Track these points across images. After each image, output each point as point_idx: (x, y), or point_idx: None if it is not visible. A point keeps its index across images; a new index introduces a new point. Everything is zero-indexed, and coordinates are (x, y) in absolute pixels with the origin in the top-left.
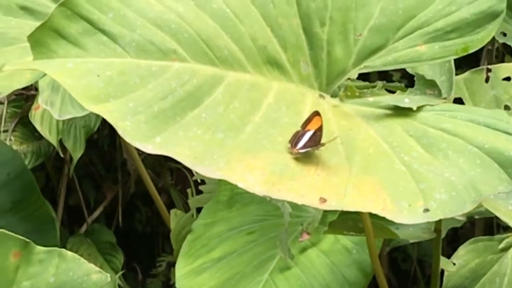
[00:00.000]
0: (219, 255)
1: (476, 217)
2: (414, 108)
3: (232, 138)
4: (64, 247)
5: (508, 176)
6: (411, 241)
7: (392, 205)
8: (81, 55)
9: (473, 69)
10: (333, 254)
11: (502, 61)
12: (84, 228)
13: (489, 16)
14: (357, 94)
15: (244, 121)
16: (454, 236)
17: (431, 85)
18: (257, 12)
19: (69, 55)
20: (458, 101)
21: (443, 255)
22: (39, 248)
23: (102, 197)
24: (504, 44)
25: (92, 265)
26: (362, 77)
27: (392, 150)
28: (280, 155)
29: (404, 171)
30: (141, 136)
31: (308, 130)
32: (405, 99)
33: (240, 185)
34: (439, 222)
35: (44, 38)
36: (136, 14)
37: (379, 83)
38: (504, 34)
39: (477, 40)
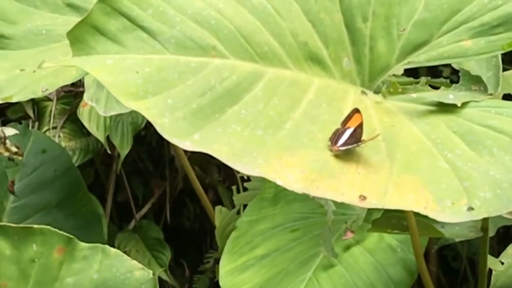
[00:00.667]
0: (263, 252)
1: None
2: (459, 104)
3: (271, 135)
4: (112, 243)
5: None
6: (457, 239)
7: (435, 203)
8: (120, 51)
9: None
10: (378, 252)
11: None
12: (132, 224)
13: None
14: (400, 90)
15: (283, 118)
16: (505, 234)
17: (476, 81)
18: (298, 7)
19: (108, 51)
20: (507, 97)
21: (494, 253)
22: (83, 244)
23: (150, 193)
24: None
25: (135, 262)
26: (411, 73)
27: (435, 148)
28: (320, 153)
29: (447, 169)
30: (179, 133)
31: (349, 128)
32: (449, 95)
33: (278, 182)
34: (486, 220)
35: (83, 34)
36: (176, 11)
37: (423, 79)
38: None
39: None
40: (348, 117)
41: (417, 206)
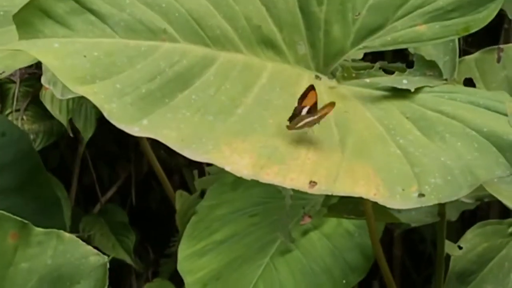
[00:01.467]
0: (222, 237)
1: (486, 200)
2: (412, 90)
3: (222, 120)
4: (77, 226)
5: (506, 160)
6: (413, 225)
7: (385, 189)
8: (68, 35)
9: (485, 49)
10: (335, 237)
11: None
12: (97, 207)
13: None
14: (353, 75)
15: (235, 103)
16: (472, 218)
17: (431, 66)
18: None
19: (56, 35)
20: (469, 81)
21: (459, 238)
22: (38, 229)
23: (116, 176)
24: None
25: (90, 247)
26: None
27: (388, 133)
28: (270, 138)
29: (399, 155)
30: (127, 118)
31: (305, 106)
32: (403, 80)
33: (227, 168)
34: (442, 206)
35: (30, 17)
36: None
37: (377, 64)
38: None
39: (478, 20)
40: (304, 95)
41: (367, 192)
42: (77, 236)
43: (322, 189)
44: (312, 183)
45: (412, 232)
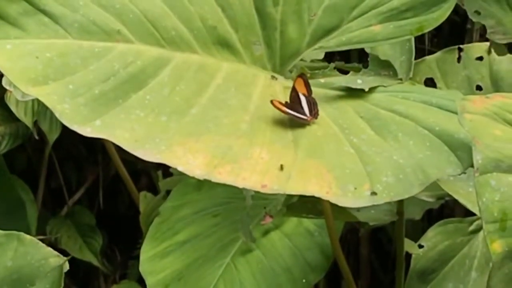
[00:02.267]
0: (184, 238)
1: (447, 198)
2: (366, 89)
3: (176, 121)
4: (44, 229)
5: (457, 158)
6: (372, 223)
7: (337, 188)
8: (21, 36)
9: (445, 49)
10: (296, 236)
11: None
12: (65, 210)
13: None
14: (308, 75)
15: (189, 103)
16: (439, 217)
17: (385, 66)
18: None
19: (8, 36)
20: (430, 81)
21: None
22: None
23: (84, 179)
24: None
25: (50, 249)
26: (343, 57)
27: (342, 132)
28: (224, 138)
29: (352, 154)
30: (80, 119)
31: (304, 94)
32: (357, 80)
33: (179, 168)
34: (401, 204)
35: None
36: None
37: (332, 64)
38: (479, 13)
39: (432, 19)
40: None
41: (319, 191)
42: (44, 239)
43: (274, 188)
44: (264, 183)
45: (379, 231)
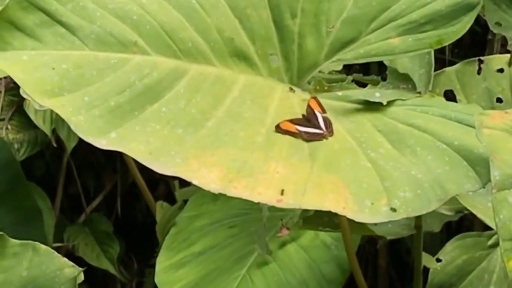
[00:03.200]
0: (200, 249)
1: (466, 212)
2: (384, 103)
3: (192, 133)
4: (62, 236)
5: (476, 174)
6: (389, 238)
7: (354, 203)
8: (37, 47)
9: (465, 60)
10: (312, 249)
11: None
12: (82, 217)
13: (464, 8)
14: (326, 88)
15: (206, 116)
16: (458, 230)
17: (404, 79)
18: (224, 3)
19: (25, 47)
20: (449, 93)
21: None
22: (13, 241)
23: (102, 186)
24: None
25: (65, 259)
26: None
27: (359, 146)
28: (240, 152)
29: (369, 168)
30: (95, 131)
31: (319, 111)
32: (376, 93)
33: (194, 182)
34: (419, 218)
35: None
36: (96, 5)
37: (349, 77)
38: (500, 24)
39: (452, 33)
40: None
41: (336, 206)
42: (61, 246)
43: (290, 203)
44: (280, 197)
45: (397, 242)
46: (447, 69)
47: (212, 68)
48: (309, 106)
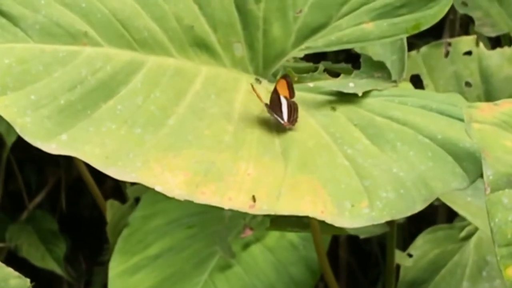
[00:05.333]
0: (157, 251)
1: (436, 203)
2: (360, 94)
3: (152, 133)
4: (3, 236)
5: (463, 170)
6: (362, 236)
7: (333, 206)
8: None
9: (432, 43)
10: (279, 250)
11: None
12: (25, 214)
13: None
14: (295, 79)
15: (166, 113)
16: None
17: (379, 67)
18: None
19: None
20: (415, 78)
21: (404, 237)
22: None
23: (45, 181)
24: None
25: (10, 270)
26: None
27: (335, 143)
28: (206, 152)
29: (347, 166)
30: (43, 134)
31: (285, 96)
32: (349, 83)
33: (157, 188)
34: None
35: None
36: None
37: (321, 65)
38: (465, 4)
39: (429, 16)
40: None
41: (314, 210)
42: (3, 247)
43: (263, 208)
44: (253, 203)
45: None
46: (413, 52)
47: (172, 60)
48: (275, 90)
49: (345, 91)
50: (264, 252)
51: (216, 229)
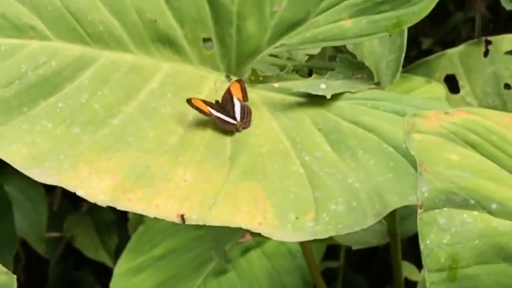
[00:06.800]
0: (162, 252)
1: None
2: (328, 96)
3: (91, 133)
4: (61, 225)
5: None
6: (355, 247)
7: (274, 218)
8: None
9: (471, 41)
10: (276, 257)
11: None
12: (85, 206)
13: None
14: (261, 79)
15: (111, 112)
16: None
17: (358, 67)
18: None
19: None
20: (450, 78)
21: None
22: None
23: None
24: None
25: None
26: None
27: (294, 148)
28: (144, 155)
29: (301, 175)
30: None
31: (238, 98)
32: (321, 84)
33: (79, 193)
34: (392, 223)
35: None
36: None
37: (289, 65)
38: None
39: (412, 13)
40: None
41: (250, 221)
42: (60, 236)
43: (192, 218)
44: (182, 211)
45: None
46: (449, 51)
47: (129, 56)
48: (228, 91)
49: (314, 92)
50: (262, 258)
51: (221, 231)
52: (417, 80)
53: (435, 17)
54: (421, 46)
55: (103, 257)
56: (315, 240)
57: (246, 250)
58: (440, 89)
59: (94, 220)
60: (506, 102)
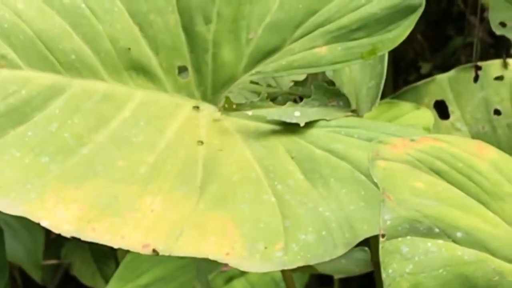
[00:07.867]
0: (147, 281)
1: None
2: (302, 124)
3: (60, 162)
4: (59, 251)
5: None
6: (337, 276)
7: (243, 248)
8: None
9: (460, 66)
10: (260, 286)
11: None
12: None
13: (404, 11)
14: (234, 106)
15: (81, 141)
16: None
17: (334, 95)
18: (122, 7)
19: None
20: (440, 104)
21: None
22: None
23: None
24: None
25: None
26: None
27: (266, 177)
28: (113, 184)
29: (272, 204)
30: None
31: None
32: (295, 112)
33: (43, 223)
34: (377, 253)
35: None
36: None
37: (263, 93)
38: (504, 25)
39: (387, 40)
40: None
41: (218, 252)
42: (57, 263)
43: (159, 248)
44: (147, 242)
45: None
46: (439, 76)
47: (101, 84)
48: None
49: (288, 120)
50: (246, 287)
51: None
52: (405, 106)
53: (435, 42)
54: (420, 70)
55: (100, 284)
56: (296, 269)
57: (230, 279)
58: (429, 115)
59: (91, 247)
60: (496, 128)
